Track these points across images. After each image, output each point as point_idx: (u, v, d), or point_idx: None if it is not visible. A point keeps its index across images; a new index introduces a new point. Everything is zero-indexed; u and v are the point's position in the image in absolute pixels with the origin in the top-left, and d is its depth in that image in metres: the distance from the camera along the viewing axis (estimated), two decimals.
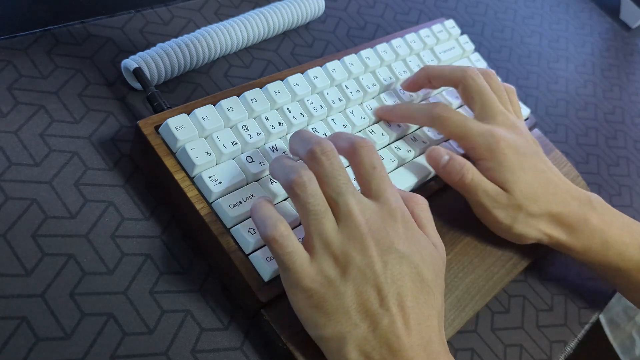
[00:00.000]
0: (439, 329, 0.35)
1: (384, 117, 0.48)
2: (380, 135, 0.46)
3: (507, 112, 0.47)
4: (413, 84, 0.49)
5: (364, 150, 0.36)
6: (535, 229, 0.44)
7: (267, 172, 0.40)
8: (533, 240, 0.45)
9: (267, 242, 0.33)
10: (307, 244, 0.34)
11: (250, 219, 0.38)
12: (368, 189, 0.36)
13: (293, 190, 0.34)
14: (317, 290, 0.33)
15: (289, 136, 0.43)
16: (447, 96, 0.53)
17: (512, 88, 0.50)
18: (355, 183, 0.38)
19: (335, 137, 0.38)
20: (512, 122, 0.46)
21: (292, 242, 0.33)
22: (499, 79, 0.49)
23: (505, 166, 0.43)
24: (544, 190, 0.44)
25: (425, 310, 0.34)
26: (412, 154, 0.47)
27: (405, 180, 0.45)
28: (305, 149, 0.35)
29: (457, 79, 0.47)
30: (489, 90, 0.47)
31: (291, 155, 0.40)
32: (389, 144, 0.47)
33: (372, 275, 0.33)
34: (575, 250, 0.45)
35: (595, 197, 0.46)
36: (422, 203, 0.39)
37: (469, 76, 0.46)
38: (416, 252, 0.35)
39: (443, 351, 0.35)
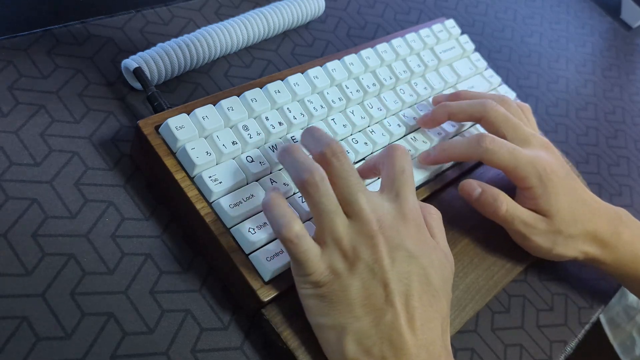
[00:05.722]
0: (442, 333, 0.35)
1: (428, 163, 0.46)
2: (380, 135, 0.46)
3: (535, 133, 0.47)
4: (431, 122, 0.48)
5: (398, 152, 0.37)
6: (573, 249, 0.45)
7: (268, 172, 0.41)
8: (570, 258, 0.46)
9: (282, 241, 0.34)
10: (318, 238, 0.35)
11: (251, 218, 0.38)
12: (390, 188, 0.37)
13: (306, 190, 0.34)
14: (324, 282, 0.34)
15: (289, 136, 0.43)
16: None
17: (527, 106, 0.51)
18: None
19: (382, 156, 0.38)
20: (545, 142, 0.46)
21: (307, 241, 0.34)
22: (514, 103, 0.49)
23: (551, 193, 0.43)
24: (580, 211, 0.45)
25: (430, 313, 0.35)
26: (412, 154, 0.47)
27: None
28: (316, 150, 0.36)
29: (478, 114, 0.46)
30: (512, 117, 0.46)
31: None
32: (389, 144, 0.47)
33: (380, 270, 0.34)
34: (607, 264, 0.47)
35: (624, 212, 0.48)
36: (434, 213, 0.40)
37: (491, 109, 0.46)
38: (425, 254, 0.36)
39: (445, 354, 0.35)
